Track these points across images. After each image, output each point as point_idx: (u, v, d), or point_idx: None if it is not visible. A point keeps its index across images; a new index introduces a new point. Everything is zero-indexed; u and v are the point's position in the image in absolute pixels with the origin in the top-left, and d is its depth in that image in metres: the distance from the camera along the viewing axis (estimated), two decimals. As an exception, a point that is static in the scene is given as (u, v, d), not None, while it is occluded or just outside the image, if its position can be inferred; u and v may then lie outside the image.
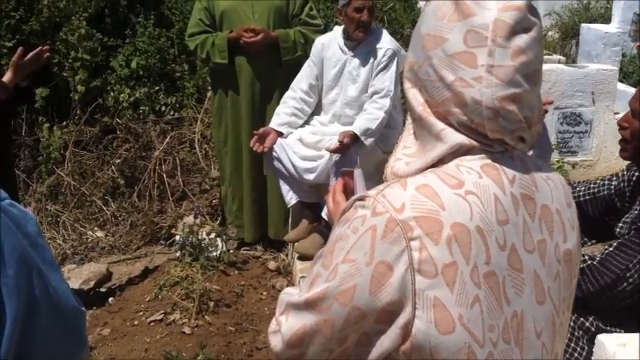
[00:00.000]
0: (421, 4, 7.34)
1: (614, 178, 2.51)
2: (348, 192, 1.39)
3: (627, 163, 2.48)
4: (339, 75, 3.96)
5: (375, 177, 3.50)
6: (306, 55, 4.19)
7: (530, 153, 1.20)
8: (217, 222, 4.59)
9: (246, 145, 4.17)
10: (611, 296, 2.18)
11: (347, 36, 3.92)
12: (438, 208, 1.03)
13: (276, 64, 4.28)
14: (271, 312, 3.74)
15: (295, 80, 4.10)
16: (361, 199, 1.09)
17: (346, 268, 1.06)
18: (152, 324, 3.68)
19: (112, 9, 5.80)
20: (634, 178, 2.42)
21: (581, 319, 2.29)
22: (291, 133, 3.99)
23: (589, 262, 2.20)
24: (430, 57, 1.10)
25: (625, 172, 2.48)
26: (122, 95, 5.45)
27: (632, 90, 6.18)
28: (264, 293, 4.09)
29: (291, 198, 4.02)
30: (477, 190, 1.06)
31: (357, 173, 1.41)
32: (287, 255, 4.41)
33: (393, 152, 1.20)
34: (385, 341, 1.06)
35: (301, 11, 4.35)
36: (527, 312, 1.09)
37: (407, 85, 1.17)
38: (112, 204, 5.05)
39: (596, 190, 2.53)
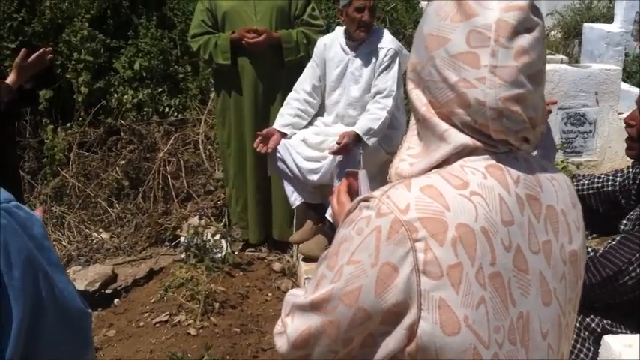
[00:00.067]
0: (423, 4, 7.34)
1: (619, 174, 2.50)
2: (353, 193, 1.39)
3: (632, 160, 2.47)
4: (342, 75, 3.96)
5: (379, 178, 3.50)
6: (308, 56, 4.19)
7: (535, 153, 1.20)
8: (222, 223, 4.59)
9: (250, 146, 4.17)
10: (612, 289, 2.18)
11: (349, 36, 3.93)
12: (442, 209, 1.03)
13: (279, 65, 4.29)
14: (276, 313, 3.74)
15: (298, 81, 4.10)
16: (366, 200, 1.09)
17: (351, 270, 1.06)
18: (157, 325, 3.68)
19: (115, 10, 5.81)
20: (639, 177, 2.41)
21: (587, 319, 2.29)
22: (295, 134, 3.99)
23: (591, 253, 2.20)
24: (433, 57, 1.10)
25: (630, 170, 2.47)
26: (125, 97, 5.46)
27: (636, 90, 6.16)
28: (269, 294, 4.09)
29: (295, 199, 4.02)
30: (481, 191, 1.06)
31: (362, 174, 1.41)
32: (292, 256, 4.41)
33: (397, 153, 1.20)
34: (390, 342, 1.06)
35: (303, 12, 4.35)
36: (533, 313, 1.09)
37: (410, 85, 1.17)
38: (116, 205, 5.06)
39: (600, 185, 2.53)
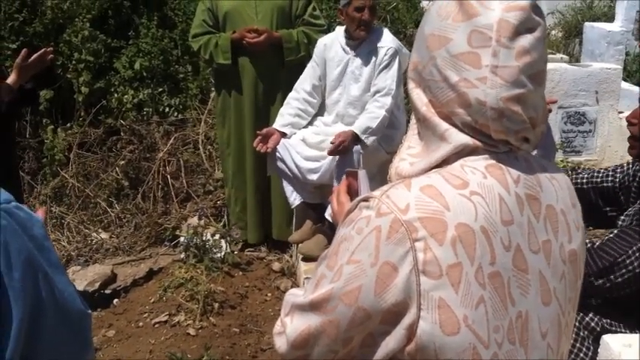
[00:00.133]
0: (424, 3, 7.35)
1: (619, 170, 2.50)
2: (352, 193, 1.38)
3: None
4: (342, 75, 3.96)
5: (379, 178, 3.50)
6: (309, 56, 4.19)
7: (534, 153, 1.19)
8: (221, 223, 4.59)
9: (250, 146, 4.17)
10: (608, 282, 2.17)
11: (349, 36, 3.93)
12: (442, 208, 1.03)
13: (279, 65, 4.29)
14: (276, 313, 3.74)
15: (298, 81, 4.10)
16: (366, 199, 1.09)
17: (351, 269, 1.06)
18: (157, 325, 3.68)
19: (115, 10, 5.81)
20: (639, 174, 2.41)
21: (587, 319, 2.29)
22: (295, 133, 3.99)
23: (588, 245, 2.19)
24: (434, 57, 1.10)
25: (630, 167, 2.47)
26: (126, 97, 5.47)
27: (636, 89, 6.17)
28: (269, 294, 4.09)
29: (294, 199, 4.02)
30: (481, 191, 1.06)
31: (362, 174, 1.41)
32: (291, 256, 4.41)
33: (397, 152, 1.20)
34: (390, 342, 1.06)
35: (304, 11, 4.35)
36: (532, 312, 1.09)
37: (411, 85, 1.17)
38: (116, 205, 5.06)
39: (599, 180, 2.52)
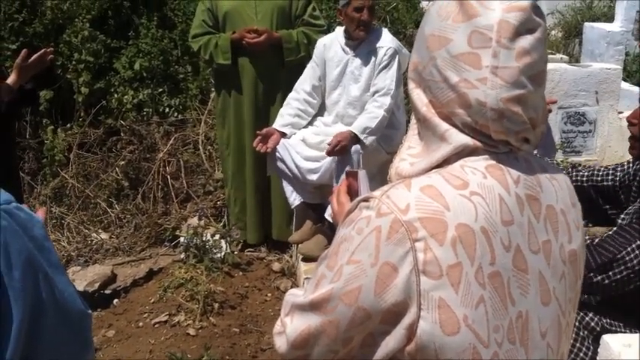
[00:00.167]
0: (424, 3, 7.35)
1: (619, 169, 2.50)
2: (353, 193, 1.38)
3: None
4: (342, 75, 3.96)
5: (379, 178, 3.50)
6: (309, 56, 4.19)
7: (534, 153, 1.20)
8: (221, 223, 4.59)
9: (249, 146, 4.18)
10: (607, 279, 2.17)
11: (348, 36, 3.93)
12: (442, 208, 1.03)
13: (279, 65, 4.29)
14: (276, 313, 3.74)
15: (298, 82, 4.10)
16: (366, 200, 1.09)
17: (351, 269, 1.06)
18: (157, 325, 3.68)
19: (115, 11, 5.81)
20: None
21: (587, 318, 2.29)
22: (295, 133, 4.00)
23: (587, 241, 2.19)
24: (434, 57, 1.10)
25: (630, 166, 2.47)
26: (126, 97, 5.47)
27: (636, 89, 6.17)
28: (269, 294, 4.09)
29: (294, 199, 4.02)
30: (481, 191, 1.06)
31: (362, 174, 1.41)
32: (291, 256, 4.41)
33: (398, 152, 1.20)
34: (390, 342, 1.06)
35: (304, 12, 4.35)
36: (532, 312, 1.09)
37: (411, 85, 1.17)
38: (116, 206, 5.06)
39: (599, 178, 2.52)
